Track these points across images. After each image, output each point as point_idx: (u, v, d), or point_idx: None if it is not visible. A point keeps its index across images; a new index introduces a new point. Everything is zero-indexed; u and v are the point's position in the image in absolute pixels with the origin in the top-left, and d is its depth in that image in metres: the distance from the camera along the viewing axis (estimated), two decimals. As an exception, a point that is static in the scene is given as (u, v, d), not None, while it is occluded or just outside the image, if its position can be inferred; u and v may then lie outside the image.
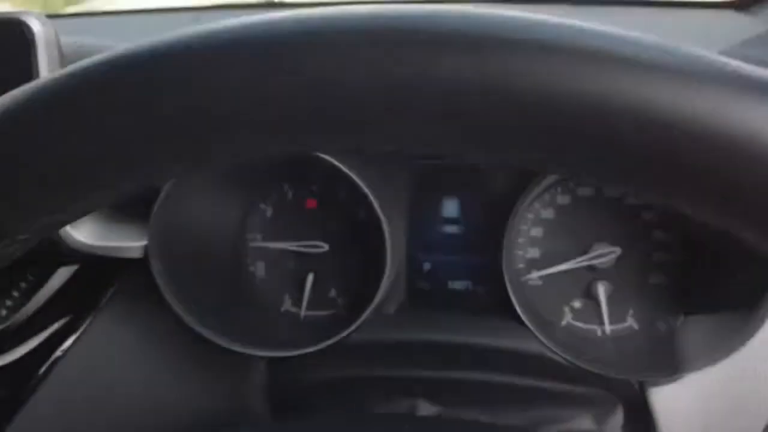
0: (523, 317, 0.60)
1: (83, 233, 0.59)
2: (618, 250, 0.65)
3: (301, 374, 0.69)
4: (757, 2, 0.69)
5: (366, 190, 0.61)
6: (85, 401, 0.64)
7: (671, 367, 0.56)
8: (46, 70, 0.51)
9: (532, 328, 0.59)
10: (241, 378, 0.70)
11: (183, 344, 0.67)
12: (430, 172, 0.71)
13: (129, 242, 0.60)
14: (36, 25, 0.51)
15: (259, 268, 0.75)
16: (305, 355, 0.63)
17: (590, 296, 0.66)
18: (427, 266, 0.71)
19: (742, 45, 0.60)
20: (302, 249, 0.72)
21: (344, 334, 0.63)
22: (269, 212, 0.75)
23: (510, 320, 0.63)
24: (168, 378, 0.69)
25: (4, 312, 0.64)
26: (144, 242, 0.61)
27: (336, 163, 0.61)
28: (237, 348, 0.62)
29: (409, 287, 0.71)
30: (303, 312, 0.72)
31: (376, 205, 0.61)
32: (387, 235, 0.62)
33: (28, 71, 0.50)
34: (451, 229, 0.71)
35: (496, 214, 0.69)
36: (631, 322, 0.66)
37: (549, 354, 0.60)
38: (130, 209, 0.63)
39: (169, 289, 0.61)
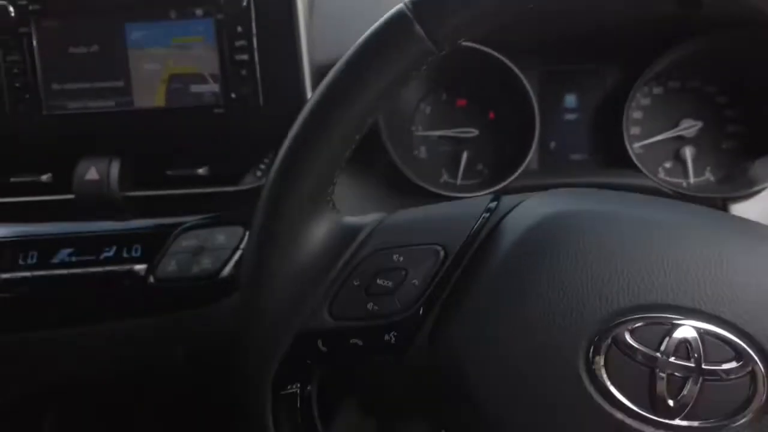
0: (638, 164, 0.85)
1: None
2: (700, 123, 0.89)
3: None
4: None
5: (527, 85, 0.86)
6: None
7: (747, 185, 0.81)
8: None
9: (642, 169, 0.85)
10: None
11: None
12: (555, 75, 0.96)
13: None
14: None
15: (422, 152, 0.99)
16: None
17: (678, 158, 0.91)
18: (552, 144, 0.96)
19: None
20: (456, 134, 0.97)
21: (494, 189, 0.87)
22: (428, 110, 0.99)
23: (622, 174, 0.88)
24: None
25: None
26: None
27: (504, 61, 0.85)
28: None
29: (540, 159, 0.96)
30: (459, 181, 0.97)
31: (532, 94, 0.86)
32: (537, 112, 0.87)
33: None
34: (571, 116, 0.96)
35: (607, 102, 0.94)
36: (708, 176, 0.91)
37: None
38: None
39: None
